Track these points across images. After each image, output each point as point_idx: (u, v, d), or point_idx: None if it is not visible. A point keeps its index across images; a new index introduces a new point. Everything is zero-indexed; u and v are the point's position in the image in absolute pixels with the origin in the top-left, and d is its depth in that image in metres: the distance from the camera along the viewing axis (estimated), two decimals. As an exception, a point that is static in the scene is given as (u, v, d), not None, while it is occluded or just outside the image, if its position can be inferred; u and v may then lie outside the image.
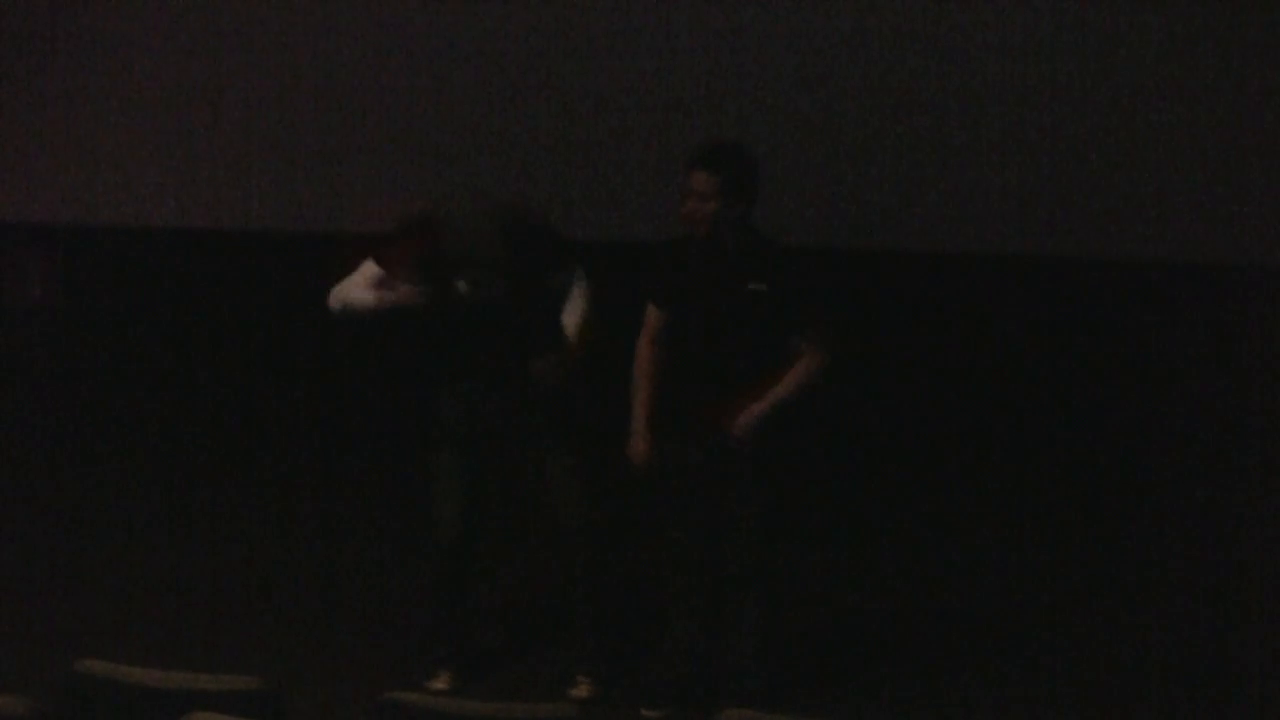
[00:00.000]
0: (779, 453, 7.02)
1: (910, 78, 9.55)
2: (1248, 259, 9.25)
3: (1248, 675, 7.48)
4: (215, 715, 5.04)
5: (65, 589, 8.47)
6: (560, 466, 7.16)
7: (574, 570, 7.18)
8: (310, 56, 9.91)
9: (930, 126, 9.55)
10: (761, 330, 6.99)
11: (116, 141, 9.65)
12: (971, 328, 9.81)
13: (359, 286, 7.11)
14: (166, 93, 9.85)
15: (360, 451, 9.81)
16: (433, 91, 9.90)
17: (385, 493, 9.39)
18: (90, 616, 8.07)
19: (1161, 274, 9.51)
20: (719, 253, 7.02)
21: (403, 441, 9.23)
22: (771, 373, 6.98)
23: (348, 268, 7.10)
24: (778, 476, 7.07)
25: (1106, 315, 9.69)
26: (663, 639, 7.18)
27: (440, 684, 7.15)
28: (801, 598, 7.93)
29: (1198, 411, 9.41)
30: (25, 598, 8.27)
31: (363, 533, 9.06)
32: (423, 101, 9.91)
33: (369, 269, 7.10)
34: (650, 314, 7.18)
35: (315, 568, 8.73)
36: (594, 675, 7.21)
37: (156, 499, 9.32)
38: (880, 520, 9.16)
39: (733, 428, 6.95)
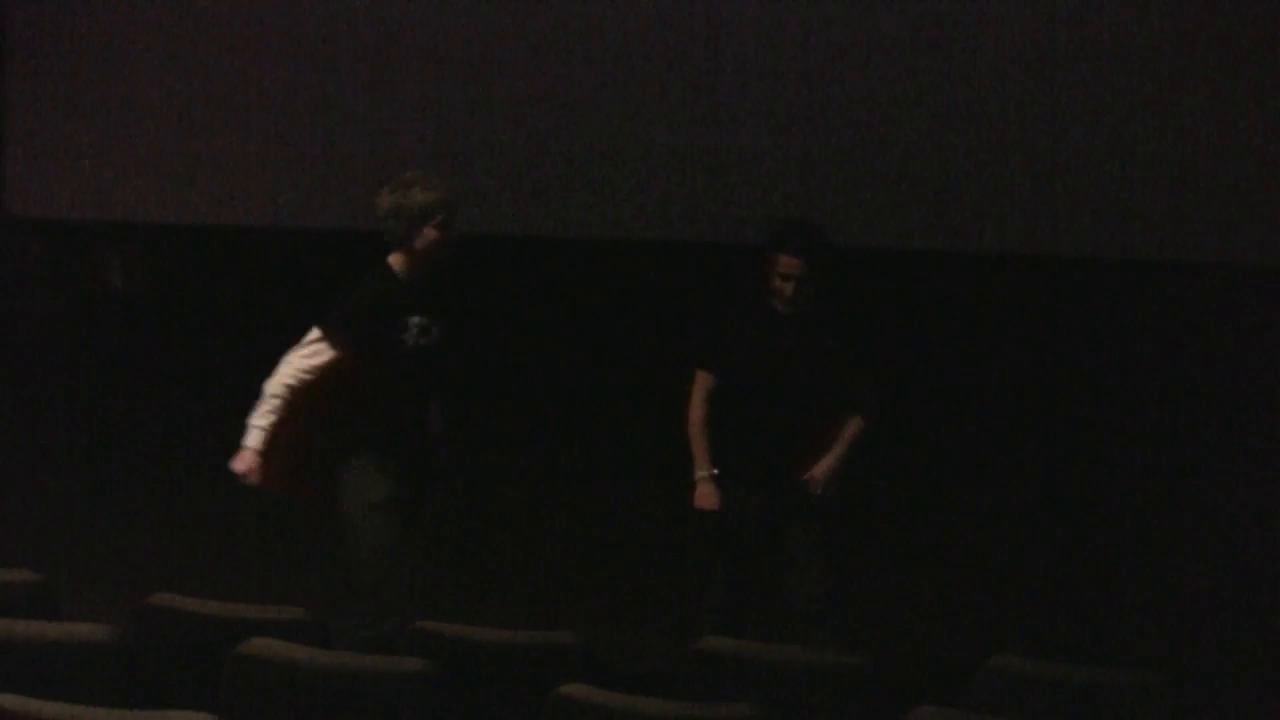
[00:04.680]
0: (837, 498, 6.69)
1: (914, 76, 8.79)
2: (1254, 259, 8.41)
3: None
4: (269, 641, 5.07)
5: (141, 534, 8.53)
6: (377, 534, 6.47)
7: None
8: (371, 61, 9.45)
9: (934, 126, 8.80)
10: (829, 388, 6.66)
11: (191, 147, 9.39)
12: (973, 327, 8.95)
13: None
14: (235, 101, 9.52)
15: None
16: (470, 94, 9.34)
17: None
18: (163, 557, 8.12)
19: (1168, 273, 8.63)
20: (798, 321, 6.65)
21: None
22: (825, 424, 6.66)
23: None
24: (835, 518, 6.72)
25: (1111, 315, 8.80)
26: None
27: None
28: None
29: (1204, 410, 8.59)
30: (107, 542, 8.35)
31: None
32: (464, 103, 9.35)
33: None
34: (701, 377, 6.78)
35: None
36: None
37: (219, 456, 9.26)
38: (890, 526, 8.63)
39: (812, 482, 6.62)
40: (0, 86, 9.59)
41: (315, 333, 6.39)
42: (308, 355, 6.38)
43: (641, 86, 9.10)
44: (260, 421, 6.39)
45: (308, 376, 6.37)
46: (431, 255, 6.44)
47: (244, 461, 6.42)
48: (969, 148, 8.68)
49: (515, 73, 9.22)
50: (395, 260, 6.49)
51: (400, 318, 6.40)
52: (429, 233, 6.39)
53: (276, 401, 6.38)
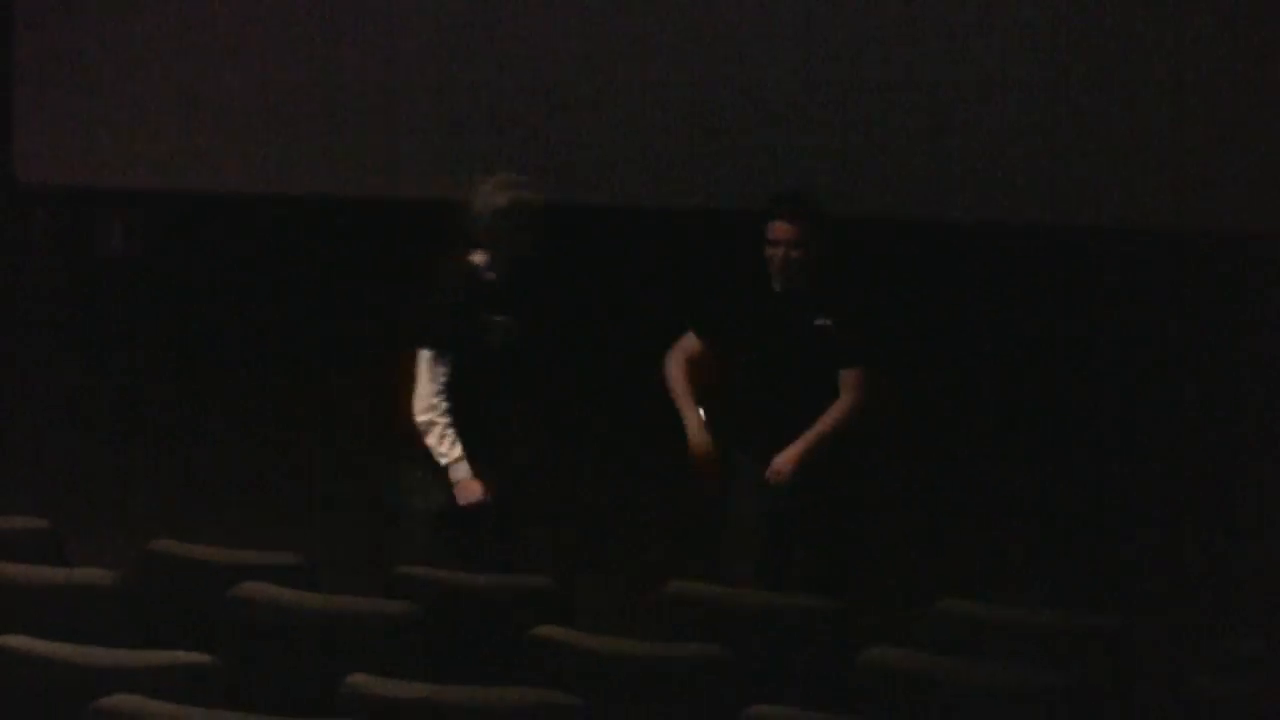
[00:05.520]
0: (839, 493, 6.44)
1: (919, 42, 8.27)
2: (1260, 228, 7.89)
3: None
4: (263, 584, 5.18)
5: (142, 485, 8.65)
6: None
7: None
8: (371, 33, 9.10)
9: (938, 93, 8.26)
10: (823, 364, 6.37)
11: (194, 116, 9.19)
12: (971, 297, 8.42)
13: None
14: (236, 70, 9.28)
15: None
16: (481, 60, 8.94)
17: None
18: (162, 506, 8.23)
19: (1169, 243, 8.10)
20: (791, 292, 6.39)
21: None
22: (820, 405, 6.35)
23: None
24: (840, 516, 6.47)
25: (1114, 285, 8.24)
26: None
27: None
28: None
29: (1204, 386, 8.09)
30: (110, 492, 8.49)
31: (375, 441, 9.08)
32: (476, 69, 8.94)
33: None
34: (689, 339, 6.50)
35: (340, 468, 8.85)
36: None
37: (214, 412, 9.32)
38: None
39: (771, 474, 6.34)
40: (10, 57, 9.56)
41: (425, 353, 6.21)
42: (431, 379, 6.21)
43: (641, 47, 8.72)
44: (453, 452, 6.20)
45: (444, 395, 6.19)
46: (523, 254, 6.28)
47: (472, 492, 6.23)
48: (975, 117, 8.28)
49: (517, 39, 8.95)
50: (479, 258, 6.31)
51: (484, 317, 6.23)
52: (526, 233, 6.26)
53: (448, 431, 6.20)
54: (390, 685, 4.40)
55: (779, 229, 6.36)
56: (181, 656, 4.53)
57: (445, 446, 6.19)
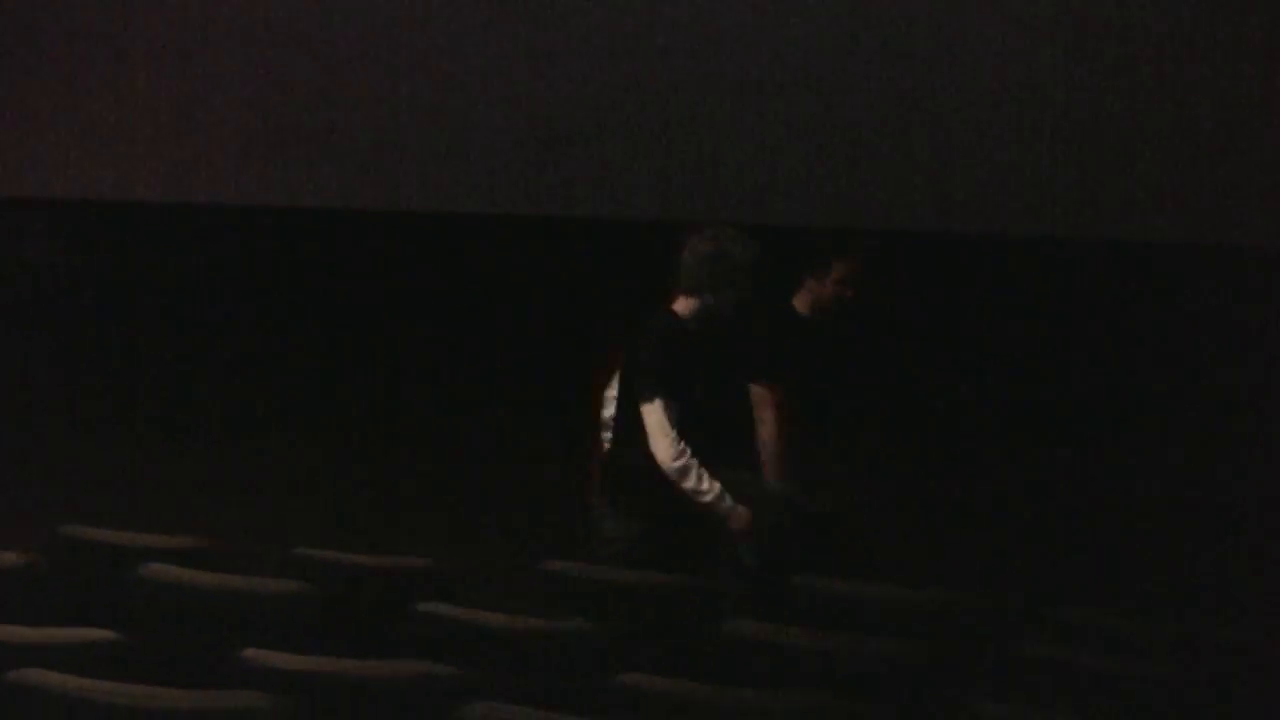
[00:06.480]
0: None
1: (910, 52, 8.08)
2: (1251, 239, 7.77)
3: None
4: (167, 566, 5.29)
5: (53, 472, 8.71)
6: None
7: None
8: (348, 43, 8.85)
9: (930, 104, 8.07)
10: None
11: (163, 128, 8.95)
12: (969, 310, 8.23)
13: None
14: (209, 83, 9.01)
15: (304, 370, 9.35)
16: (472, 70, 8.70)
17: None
18: (72, 491, 8.15)
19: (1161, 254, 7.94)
20: (816, 319, 6.52)
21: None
22: None
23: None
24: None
25: (1108, 297, 8.15)
26: None
27: None
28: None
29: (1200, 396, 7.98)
30: (24, 478, 8.54)
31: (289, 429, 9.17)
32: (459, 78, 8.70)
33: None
34: (772, 392, 6.50)
35: (252, 451, 8.94)
36: None
37: (139, 407, 9.34)
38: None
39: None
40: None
41: (655, 404, 6.08)
42: (666, 427, 6.08)
43: (639, 56, 8.49)
44: (713, 487, 6.12)
45: (682, 439, 6.09)
46: (730, 303, 6.20)
47: (740, 518, 6.22)
48: (969, 126, 8.09)
49: (513, 50, 8.72)
50: (682, 305, 6.22)
51: (690, 365, 6.15)
52: (733, 282, 6.17)
53: (702, 470, 6.11)
54: (284, 659, 4.53)
55: (855, 265, 6.44)
56: (88, 633, 4.64)
57: (705, 484, 6.11)
